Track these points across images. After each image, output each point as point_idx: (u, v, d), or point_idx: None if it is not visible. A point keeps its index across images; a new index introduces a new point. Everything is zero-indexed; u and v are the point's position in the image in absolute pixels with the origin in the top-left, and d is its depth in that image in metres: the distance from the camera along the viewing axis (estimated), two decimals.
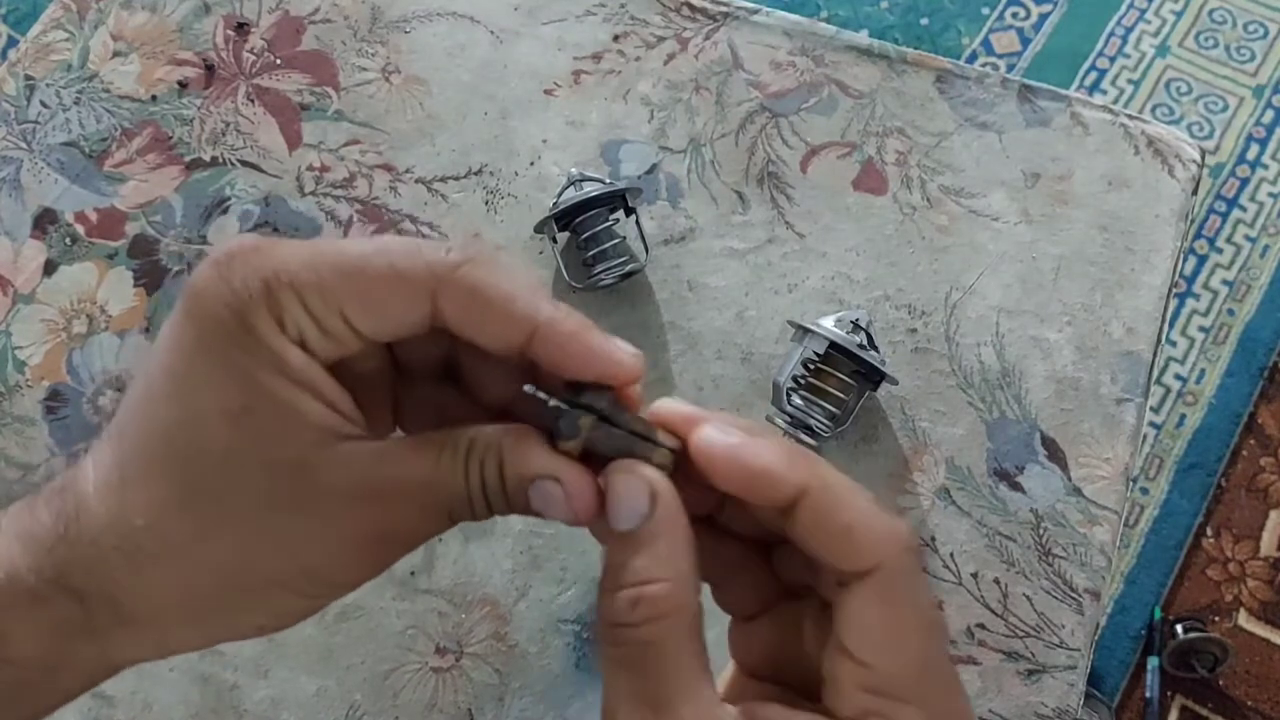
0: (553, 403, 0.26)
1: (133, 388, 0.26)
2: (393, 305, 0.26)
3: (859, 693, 0.25)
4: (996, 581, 0.48)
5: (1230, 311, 1.32)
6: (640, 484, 0.26)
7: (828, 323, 0.47)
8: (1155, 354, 0.52)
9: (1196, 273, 1.34)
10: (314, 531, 0.25)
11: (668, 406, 0.27)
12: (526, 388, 0.27)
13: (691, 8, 0.60)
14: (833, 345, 0.46)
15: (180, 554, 0.25)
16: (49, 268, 0.55)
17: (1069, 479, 0.50)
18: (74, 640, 0.25)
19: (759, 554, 0.29)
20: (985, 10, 1.49)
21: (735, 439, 0.26)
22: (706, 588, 0.28)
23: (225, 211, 0.56)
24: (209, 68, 0.60)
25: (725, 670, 0.31)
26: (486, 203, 0.56)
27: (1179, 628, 1.13)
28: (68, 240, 0.56)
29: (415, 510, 0.26)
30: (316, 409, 0.25)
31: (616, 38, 0.59)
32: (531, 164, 0.57)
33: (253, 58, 0.60)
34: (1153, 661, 1.14)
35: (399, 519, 0.26)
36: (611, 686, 0.26)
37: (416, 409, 0.30)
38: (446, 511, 0.27)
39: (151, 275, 0.55)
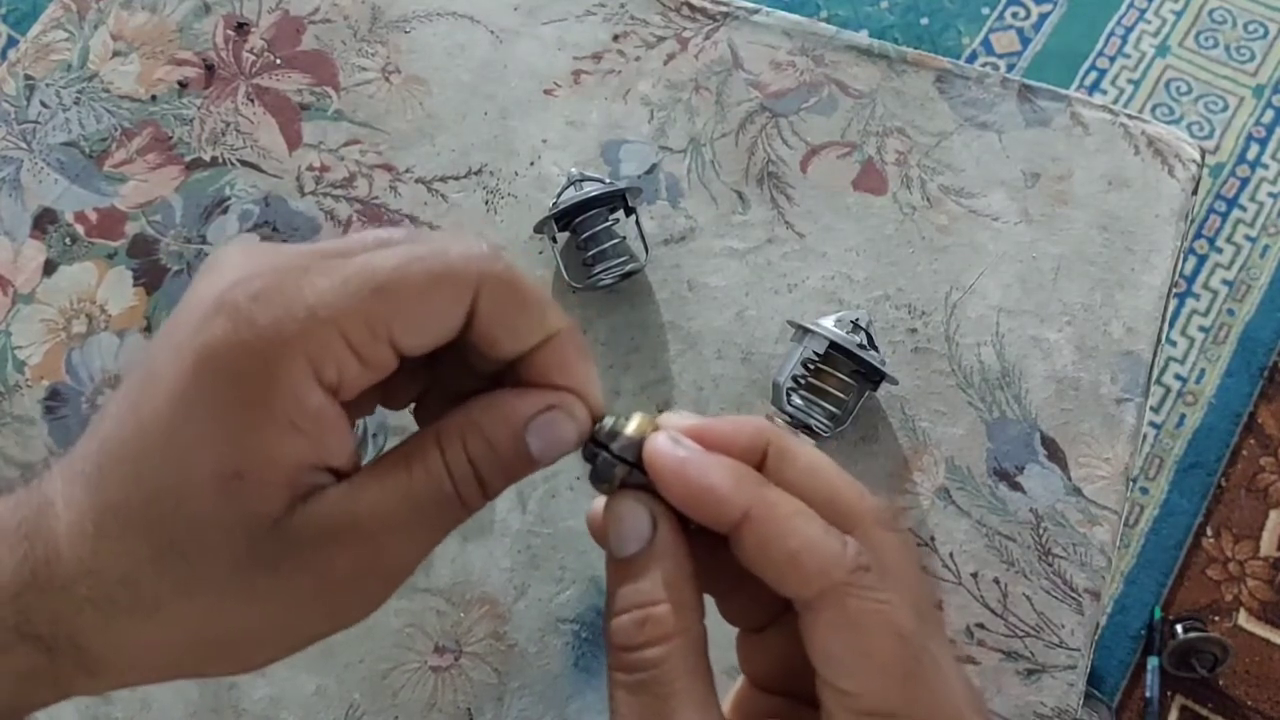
0: (589, 449, 0.27)
1: (117, 419, 0.24)
2: (440, 314, 0.24)
3: (849, 716, 0.25)
4: (996, 581, 0.48)
5: (1230, 311, 1.32)
6: (642, 510, 0.26)
7: (828, 323, 0.47)
8: (1155, 354, 0.52)
9: (1196, 273, 1.34)
10: (288, 587, 0.24)
11: (671, 421, 0.27)
12: None
13: (691, 7, 0.60)
14: (833, 345, 0.46)
15: (155, 610, 0.24)
16: (49, 267, 0.55)
17: (1069, 479, 0.50)
18: (38, 688, 0.24)
19: None
20: (985, 10, 1.49)
21: (683, 453, 0.26)
22: (710, 607, 0.28)
23: (225, 211, 0.56)
24: (209, 68, 0.60)
25: (734, 685, 0.30)
26: (486, 203, 0.56)
27: (1179, 628, 1.13)
28: (67, 240, 0.56)
29: (395, 534, 0.25)
30: (310, 458, 0.24)
31: (616, 37, 0.59)
32: (531, 164, 0.57)
33: (253, 58, 0.60)
34: (1153, 661, 1.14)
35: (377, 550, 0.25)
36: (619, 711, 0.26)
37: (398, 392, 0.29)
38: (433, 522, 0.25)
39: (151, 275, 0.55)
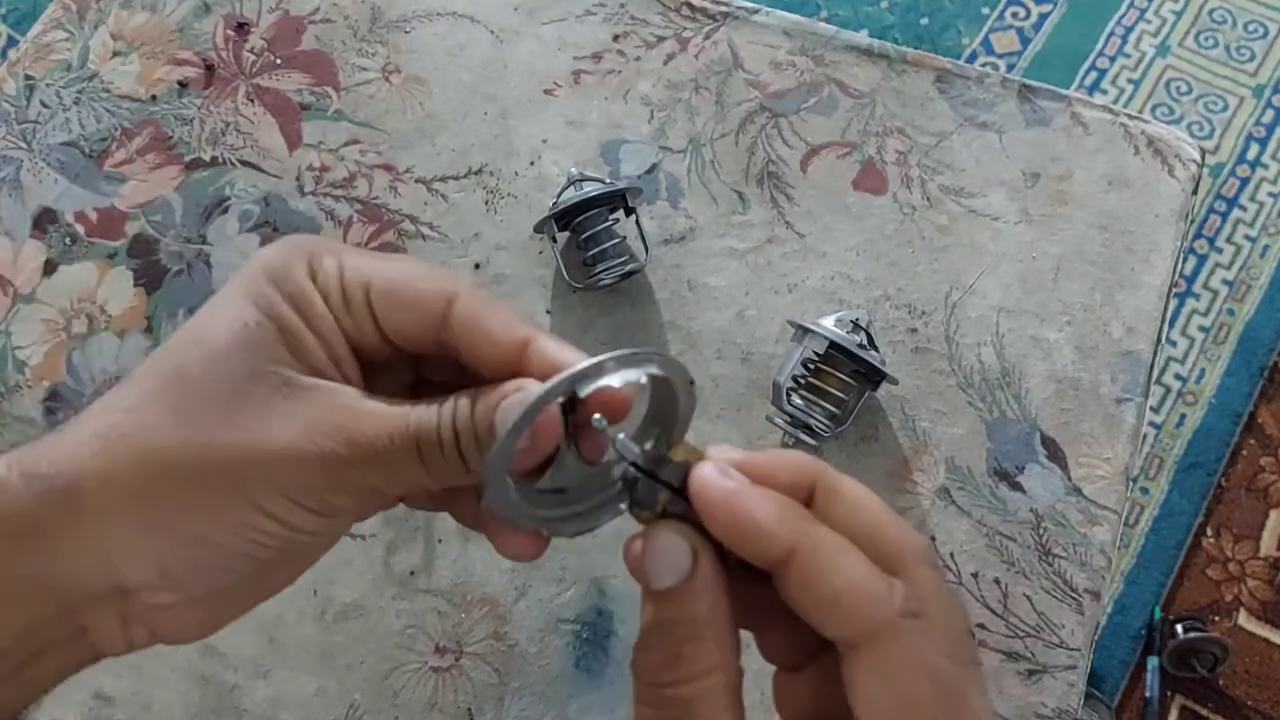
0: (631, 472, 0.27)
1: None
2: (411, 318, 0.28)
3: None
4: (996, 581, 0.48)
5: (1230, 311, 1.32)
6: (682, 541, 0.26)
7: (828, 322, 0.47)
8: (1155, 354, 0.52)
9: (1196, 273, 1.34)
10: (280, 443, 0.25)
11: (717, 453, 0.27)
12: (618, 443, 0.27)
13: (691, 7, 0.60)
14: (833, 345, 0.46)
15: (146, 434, 0.25)
16: (49, 268, 0.55)
17: (1069, 479, 0.50)
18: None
19: None
20: (985, 10, 1.49)
21: (731, 484, 0.25)
22: (748, 642, 0.28)
23: (225, 211, 0.56)
24: (209, 68, 0.60)
25: None
26: (486, 203, 0.56)
27: (1179, 627, 1.13)
28: (68, 240, 0.56)
29: (380, 444, 0.26)
30: (316, 346, 0.27)
31: (616, 37, 0.59)
32: (531, 164, 0.57)
33: (253, 58, 0.60)
34: (1153, 661, 1.14)
35: (364, 450, 0.26)
36: None
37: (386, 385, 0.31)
38: (413, 452, 0.27)
39: (151, 275, 0.55)
